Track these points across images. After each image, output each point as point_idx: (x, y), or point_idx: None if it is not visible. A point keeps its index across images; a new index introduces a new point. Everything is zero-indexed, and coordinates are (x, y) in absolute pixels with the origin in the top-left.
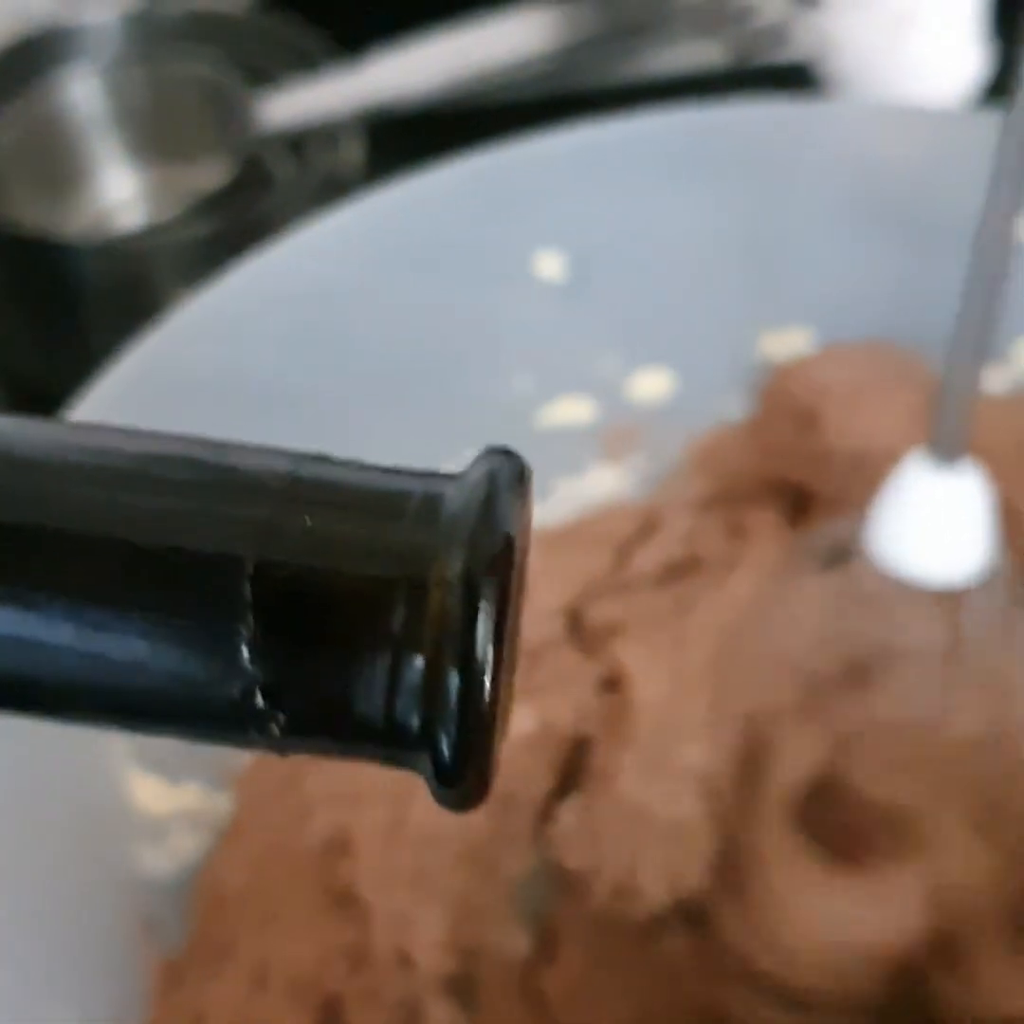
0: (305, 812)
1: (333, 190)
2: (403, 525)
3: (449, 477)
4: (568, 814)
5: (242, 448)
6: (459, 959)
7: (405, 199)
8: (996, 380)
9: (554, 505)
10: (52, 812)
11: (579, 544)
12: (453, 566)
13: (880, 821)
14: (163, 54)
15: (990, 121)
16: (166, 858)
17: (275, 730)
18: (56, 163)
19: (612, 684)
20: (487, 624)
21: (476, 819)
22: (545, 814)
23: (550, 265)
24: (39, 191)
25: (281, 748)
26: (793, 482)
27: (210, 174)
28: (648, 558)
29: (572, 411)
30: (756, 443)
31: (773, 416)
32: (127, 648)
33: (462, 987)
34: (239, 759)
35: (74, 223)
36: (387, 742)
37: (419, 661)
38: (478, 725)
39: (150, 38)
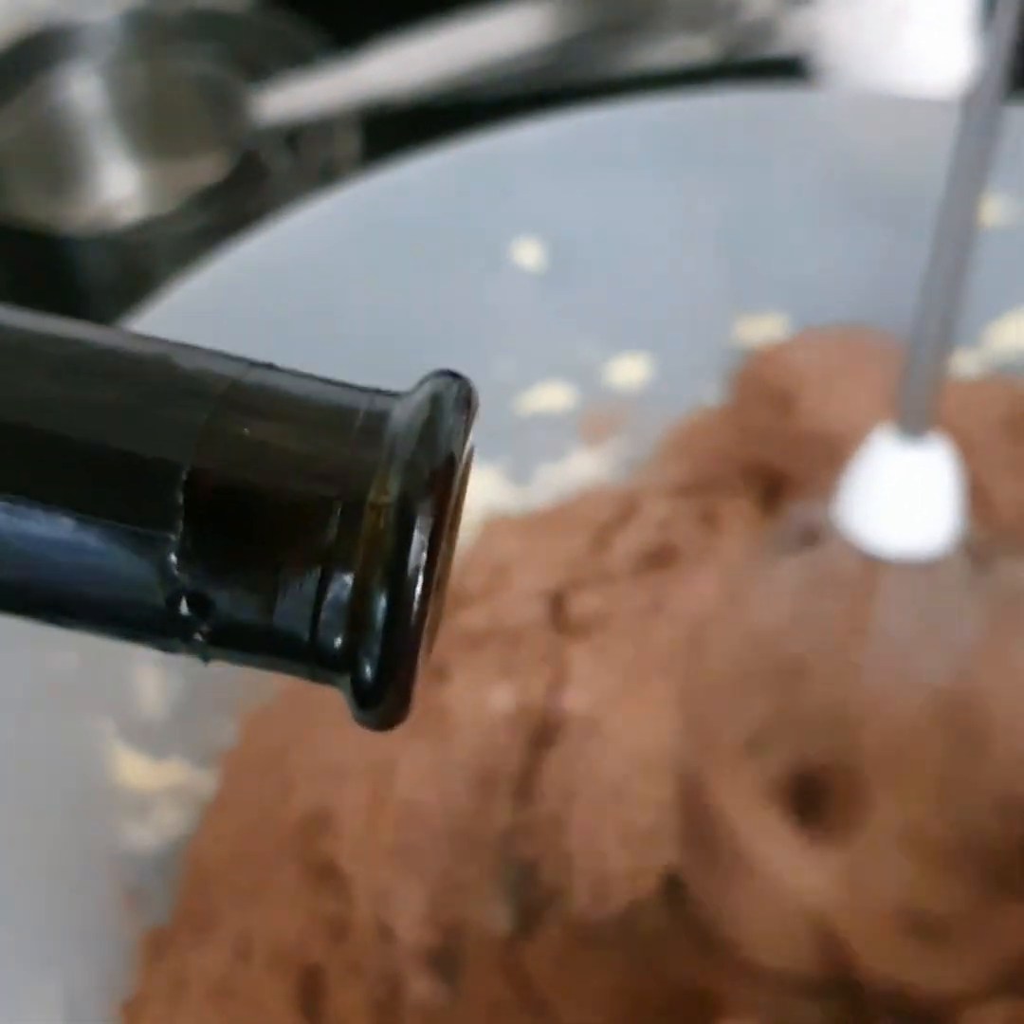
0: (288, 787)
1: (328, 183)
2: (344, 441)
3: (395, 396)
4: (538, 808)
5: (190, 350)
6: (441, 933)
7: (386, 188)
8: (968, 362)
9: (534, 489)
10: (37, 789)
11: (559, 528)
12: (391, 486)
13: (847, 793)
14: (162, 51)
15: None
16: (151, 833)
17: (199, 639)
18: (57, 158)
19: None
20: (420, 548)
21: (458, 795)
22: (522, 792)
23: (529, 252)
24: (41, 186)
25: (204, 656)
26: (769, 465)
27: (208, 169)
28: (626, 543)
29: (552, 397)
30: (733, 427)
31: (749, 401)
32: (54, 545)
33: (444, 961)
34: (223, 736)
35: (75, 217)
36: (310, 659)
37: (348, 579)
38: (402, 648)
39: (150, 35)
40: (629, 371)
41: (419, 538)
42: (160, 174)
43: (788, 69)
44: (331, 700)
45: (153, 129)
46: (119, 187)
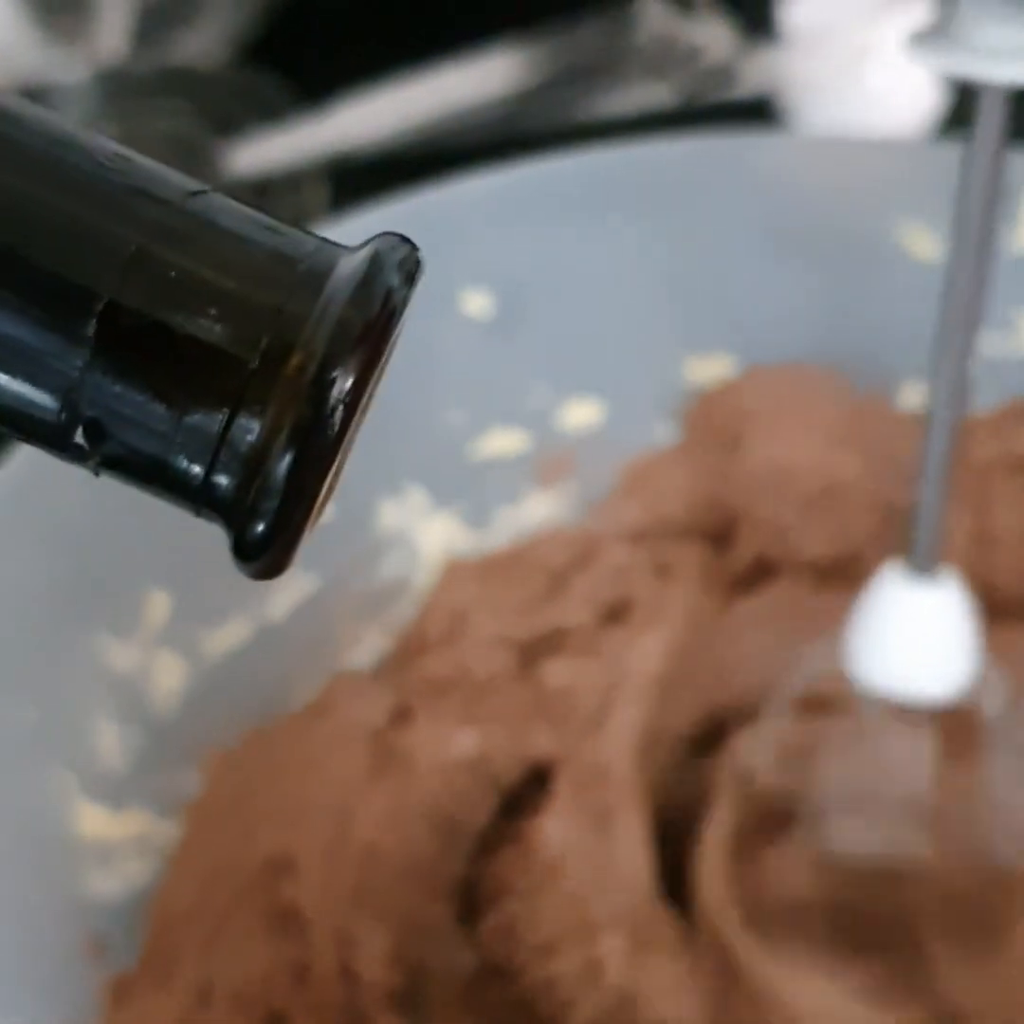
0: (250, 833)
1: None
2: (277, 289)
3: (341, 249)
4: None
5: (138, 162)
6: (404, 974)
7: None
8: (913, 395)
9: (492, 532)
10: None
11: (517, 572)
12: (317, 342)
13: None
14: (134, 109)
15: (904, 148)
16: (115, 882)
17: (91, 465)
18: None
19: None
20: (336, 411)
21: (420, 839)
22: (484, 842)
23: (479, 302)
24: None
25: (95, 473)
26: (722, 503)
27: None
28: (583, 589)
29: (505, 442)
30: (685, 466)
31: (699, 440)
32: None
33: (408, 1001)
34: (186, 785)
35: None
36: (199, 500)
37: (255, 426)
38: (296, 510)
39: (122, 95)
40: (581, 414)
41: (337, 400)
42: None
43: (752, 112)
44: (295, 746)
45: None
46: None
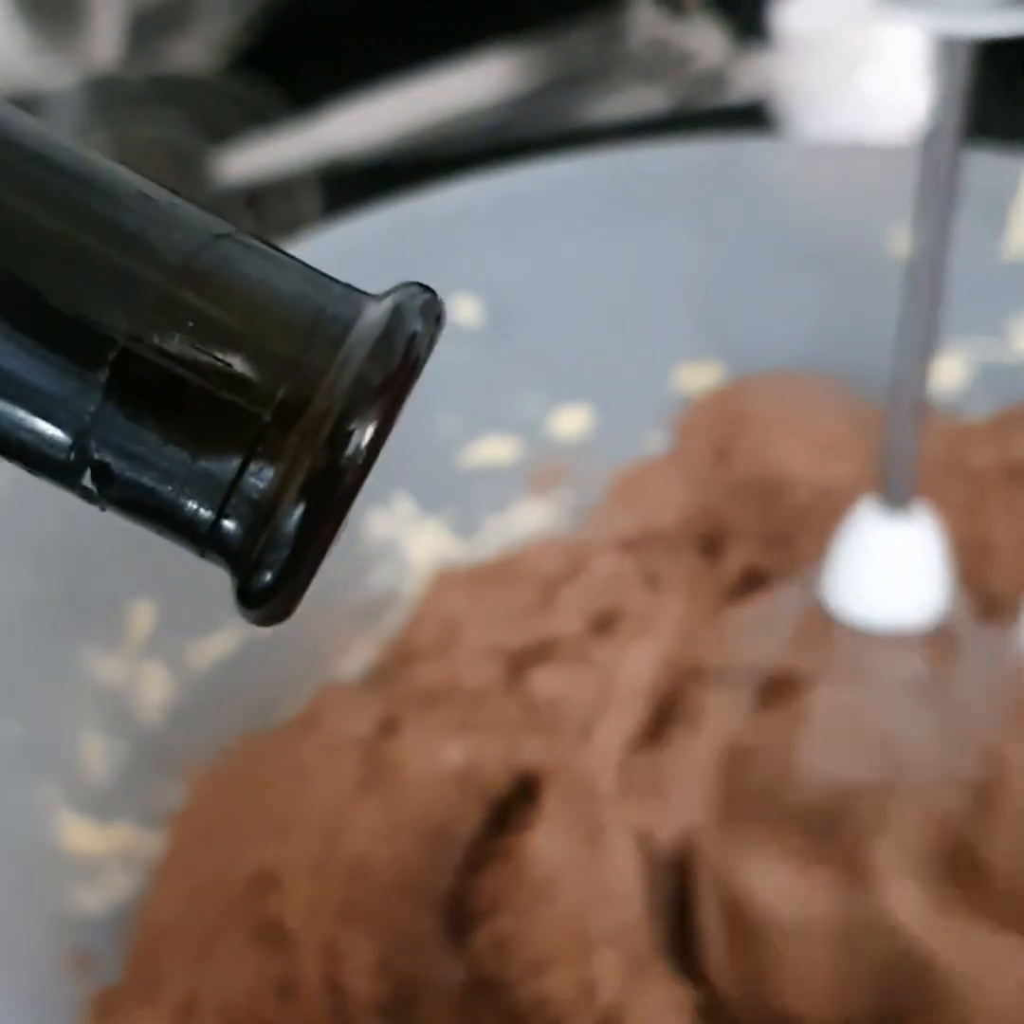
0: (236, 847)
1: (291, 241)
2: (298, 339)
3: (364, 296)
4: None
5: (163, 201)
6: (393, 987)
7: (326, 248)
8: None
9: (482, 541)
10: None
11: (507, 581)
12: (336, 397)
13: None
14: (125, 117)
15: (895, 154)
16: (100, 896)
17: (100, 505)
18: None
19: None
20: (350, 468)
21: (408, 851)
22: (473, 854)
23: (470, 309)
24: None
25: (102, 508)
26: (713, 511)
27: None
28: (573, 599)
29: (496, 450)
30: (676, 475)
31: (690, 448)
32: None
33: (397, 1014)
34: (171, 799)
35: None
36: (206, 544)
37: (268, 474)
38: (306, 561)
39: (114, 102)
40: (572, 422)
41: (352, 454)
42: None
43: (746, 117)
44: (282, 758)
45: None
46: None
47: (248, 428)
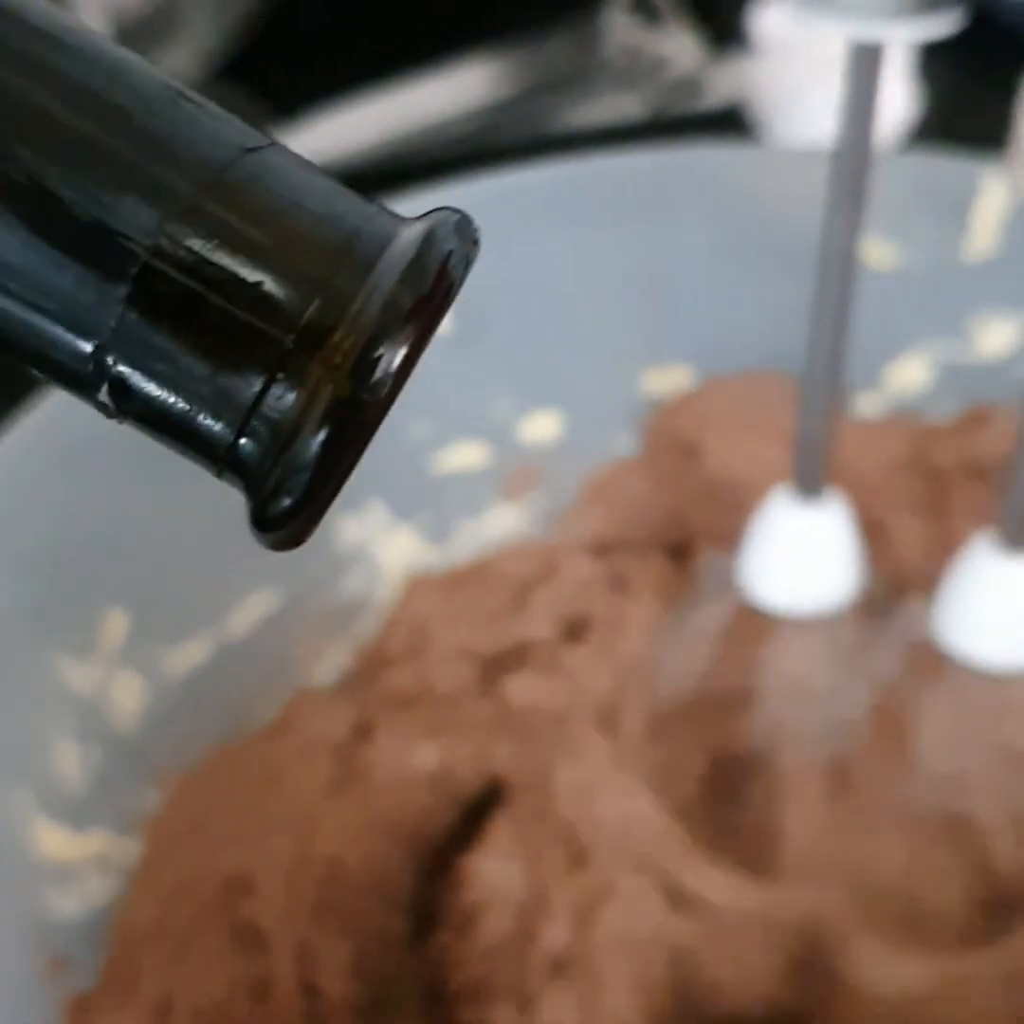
0: (211, 851)
1: None
2: (329, 260)
3: (397, 218)
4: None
5: (204, 112)
6: (368, 988)
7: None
8: (868, 404)
9: (455, 546)
10: None
11: (479, 586)
12: (364, 321)
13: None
14: None
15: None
16: (76, 901)
17: (116, 419)
18: None
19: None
20: (376, 393)
21: (381, 853)
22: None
23: None
24: None
25: (119, 422)
26: (682, 514)
27: None
28: (544, 603)
29: (467, 455)
30: (646, 478)
31: (658, 451)
32: (11, 265)
33: (372, 1015)
34: (147, 804)
35: None
36: (223, 463)
37: (291, 397)
38: (327, 485)
39: None
40: (543, 427)
41: (379, 379)
42: None
43: (722, 123)
44: (256, 763)
45: None
46: None
47: (272, 349)
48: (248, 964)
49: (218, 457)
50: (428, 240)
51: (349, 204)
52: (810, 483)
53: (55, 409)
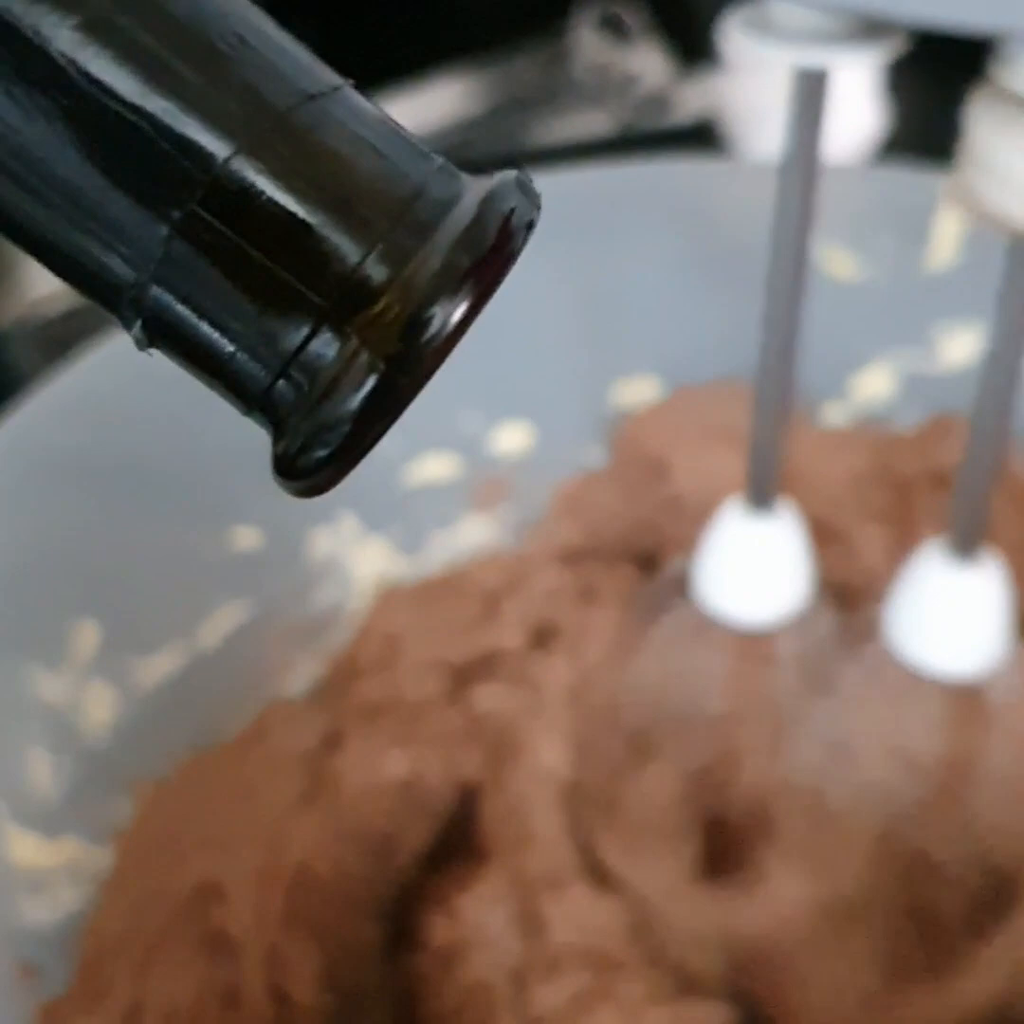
0: (181, 859)
1: None
2: (386, 216)
3: (463, 179)
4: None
5: (281, 45)
6: (338, 997)
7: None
8: (834, 413)
9: (426, 557)
10: None
11: (450, 596)
12: (418, 281)
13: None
14: None
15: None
16: (47, 909)
17: (150, 346)
18: None
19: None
20: (423, 354)
21: (351, 862)
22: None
23: None
24: None
25: (149, 352)
26: (651, 525)
27: None
28: (515, 613)
29: (438, 467)
30: (614, 490)
31: (627, 463)
32: (81, 185)
33: (345, 1021)
34: (119, 814)
35: (3, 311)
36: (256, 405)
37: (334, 348)
38: (361, 442)
39: None
40: (512, 438)
41: (428, 341)
42: None
43: (693, 138)
44: (227, 773)
45: None
46: (45, 282)
47: (321, 298)
48: (218, 971)
49: (250, 397)
50: (489, 201)
51: (415, 158)
52: (762, 494)
53: (27, 421)
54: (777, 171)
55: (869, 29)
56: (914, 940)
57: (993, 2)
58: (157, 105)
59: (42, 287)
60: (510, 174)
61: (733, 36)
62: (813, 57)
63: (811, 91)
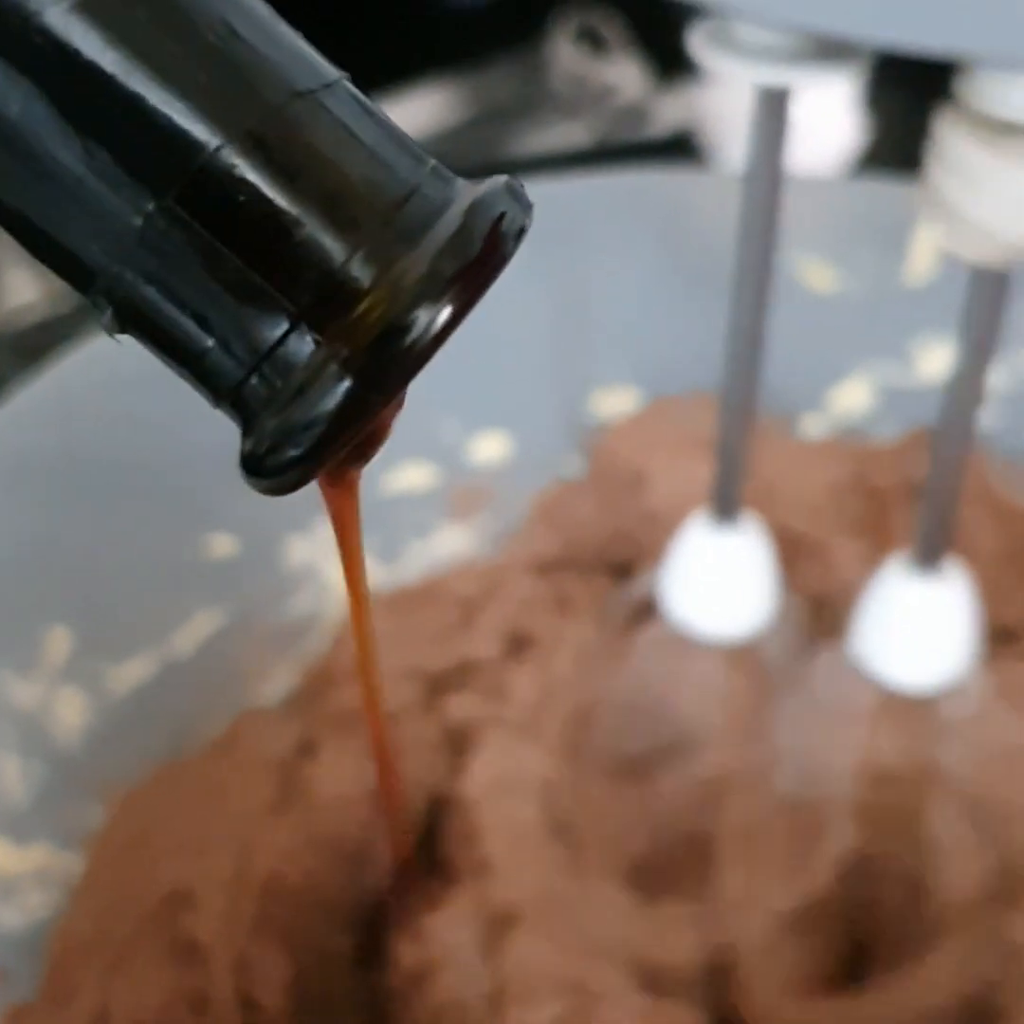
0: (152, 865)
1: None
2: (374, 219)
3: (453, 183)
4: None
5: (281, 39)
6: (307, 1005)
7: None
8: (813, 426)
9: (403, 566)
10: None
11: (425, 605)
12: (402, 286)
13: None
14: None
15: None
16: (16, 914)
17: (118, 339)
18: None
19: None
20: (404, 359)
21: (321, 869)
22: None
23: None
24: None
25: (119, 339)
26: (628, 536)
27: None
28: (490, 622)
29: (415, 476)
30: (591, 500)
31: (604, 474)
32: (62, 165)
33: None
34: (89, 819)
35: None
36: (227, 399)
37: (309, 347)
38: (333, 445)
39: None
40: (490, 448)
41: (409, 345)
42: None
43: (671, 149)
44: (199, 780)
45: None
46: (23, 291)
47: (301, 296)
48: (186, 977)
49: (220, 390)
50: (479, 206)
51: (408, 160)
52: (727, 507)
53: (1, 427)
54: (743, 184)
55: (830, 50)
56: (876, 940)
57: (950, 27)
58: (137, 94)
59: (18, 296)
60: (500, 179)
61: (696, 50)
62: (773, 76)
63: (772, 108)
